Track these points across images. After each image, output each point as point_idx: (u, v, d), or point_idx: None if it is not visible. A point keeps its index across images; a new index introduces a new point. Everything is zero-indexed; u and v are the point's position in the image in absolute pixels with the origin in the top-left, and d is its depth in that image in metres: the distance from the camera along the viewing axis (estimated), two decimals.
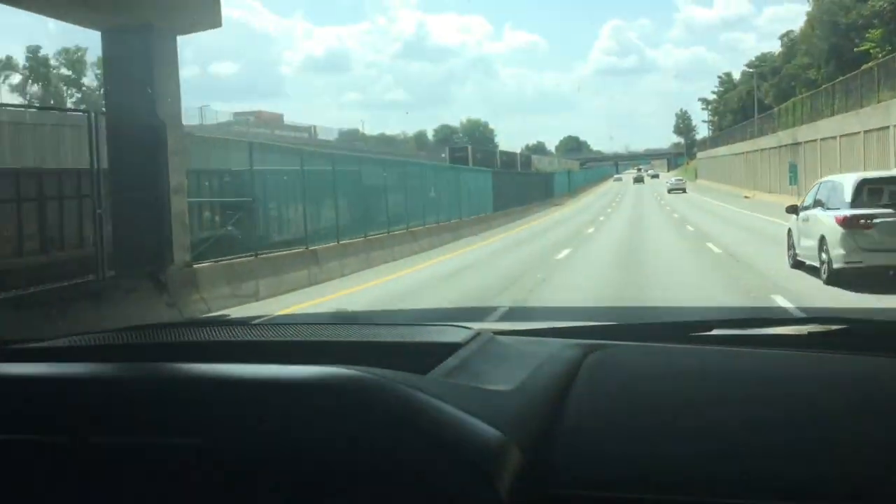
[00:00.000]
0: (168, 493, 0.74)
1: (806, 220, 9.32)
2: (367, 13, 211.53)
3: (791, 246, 10.08)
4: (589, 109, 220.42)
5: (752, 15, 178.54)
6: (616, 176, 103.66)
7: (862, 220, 7.94)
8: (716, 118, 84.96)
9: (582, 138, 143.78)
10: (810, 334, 1.28)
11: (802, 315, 5.05)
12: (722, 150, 55.50)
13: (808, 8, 46.00)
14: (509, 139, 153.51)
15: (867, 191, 8.31)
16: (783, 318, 1.40)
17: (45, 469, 0.75)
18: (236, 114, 50.41)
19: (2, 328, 5.56)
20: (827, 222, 8.41)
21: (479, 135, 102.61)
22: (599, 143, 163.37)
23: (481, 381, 0.91)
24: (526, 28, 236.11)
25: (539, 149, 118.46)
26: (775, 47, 72.67)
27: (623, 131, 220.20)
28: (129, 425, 0.76)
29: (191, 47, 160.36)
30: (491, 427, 0.75)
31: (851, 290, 7.72)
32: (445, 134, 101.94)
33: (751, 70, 67.66)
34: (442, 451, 0.70)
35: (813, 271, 8.90)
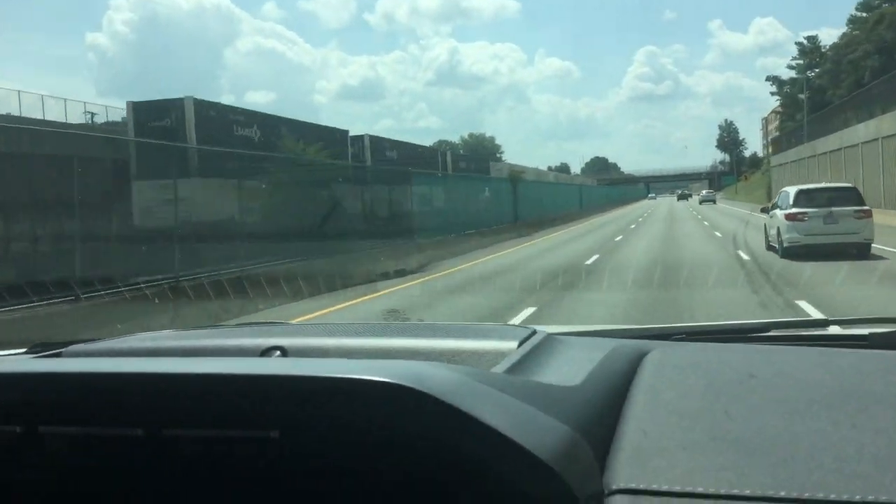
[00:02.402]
0: (244, 484, 0.92)
1: (772, 217, 17.66)
2: (400, 42, 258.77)
3: (765, 235, 18.48)
4: (623, 135, 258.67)
5: (787, 40, 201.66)
6: (651, 195, 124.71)
7: (799, 216, 16.06)
8: (786, 109, 79.27)
9: (613, 161, 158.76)
10: (871, 334, 1.56)
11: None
12: (861, 134, 33.46)
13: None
14: (537, 161, 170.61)
15: (803, 196, 16.52)
16: (841, 319, 1.88)
17: (122, 460, 0.96)
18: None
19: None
20: (780, 217, 16.58)
21: (483, 150, 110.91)
22: (632, 166, 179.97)
23: (544, 378, 1.12)
24: (559, 55, 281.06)
25: (563, 170, 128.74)
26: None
27: (658, 156, 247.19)
28: (205, 419, 0.93)
29: (227, 76, 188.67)
30: (559, 421, 0.92)
31: (792, 259, 15.68)
32: (442, 149, 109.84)
33: (862, 13, 60.57)
34: (512, 446, 0.83)
35: (776, 251, 17.05)
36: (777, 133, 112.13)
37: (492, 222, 29.55)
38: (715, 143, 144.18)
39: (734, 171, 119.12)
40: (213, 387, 0.95)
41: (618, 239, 26.63)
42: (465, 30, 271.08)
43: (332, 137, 26.61)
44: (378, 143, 31.37)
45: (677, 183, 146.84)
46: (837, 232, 15.83)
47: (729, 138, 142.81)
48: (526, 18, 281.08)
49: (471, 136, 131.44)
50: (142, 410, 0.95)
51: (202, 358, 1.23)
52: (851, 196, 16.76)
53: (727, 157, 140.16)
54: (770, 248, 17.87)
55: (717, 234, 26.60)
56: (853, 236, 15.80)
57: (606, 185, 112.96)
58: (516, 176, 45.14)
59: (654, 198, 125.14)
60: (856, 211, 16.06)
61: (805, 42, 76.92)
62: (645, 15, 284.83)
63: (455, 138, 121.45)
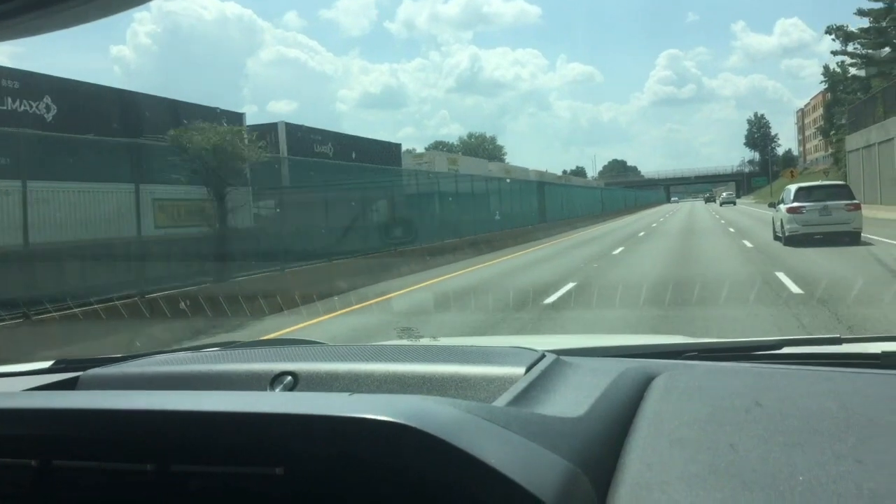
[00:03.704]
0: None
1: (777, 210, 23.45)
2: (421, 50, 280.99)
3: (773, 226, 24.38)
4: (646, 140, 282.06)
5: (813, 41, 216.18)
6: (674, 199, 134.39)
7: (798, 209, 21.82)
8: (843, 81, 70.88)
9: (633, 164, 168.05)
10: (883, 353, 1.75)
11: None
12: None
13: None
14: (556, 165, 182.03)
15: (802, 193, 22.23)
16: (853, 337, 2.01)
17: (128, 495, 1.12)
18: None
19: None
20: (783, 211, 22.29)
21: (483, 152, 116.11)
22: (655, 170, 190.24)
23: (549, 408, 1.25)
24: (580, 60, 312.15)
25: (579, 173, 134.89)
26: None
27: (681, 160, 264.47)
28: (213, 455, 1.08)
29: (250, 86, 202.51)
30: (560, 457, 1.04)
31: (792, 246, 21.25)
32: (438, 150, 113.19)
33: None
34: (510, 484, 0.95)
35: (778, 239, 22.85)
36: (818, 126, 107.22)
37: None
38: (743, 142, 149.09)
39: (768, 171, 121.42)
40: (219, 424, 1.09)
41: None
42: (486, 36, 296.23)
43: None
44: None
45: (701, 186, 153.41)
46: (831, 222, 21.42)
47: (759, 134, 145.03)
48: (547, 24, 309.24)
49: (470, 136, 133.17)
50: (152, 446, 1.12)
51: (211, 392, 1.39)
52: (843, 192, 22.49)
53: (756, 156, 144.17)
54: (776, 237, 23.63)
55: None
56: (844, 226, 21.36)
57: (621, 189, 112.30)
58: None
59: (678, 201, 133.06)
60: (847, 204, 21.68)
61: None
62: (667, 18, 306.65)
63: (479, 147, 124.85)
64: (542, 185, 49.73)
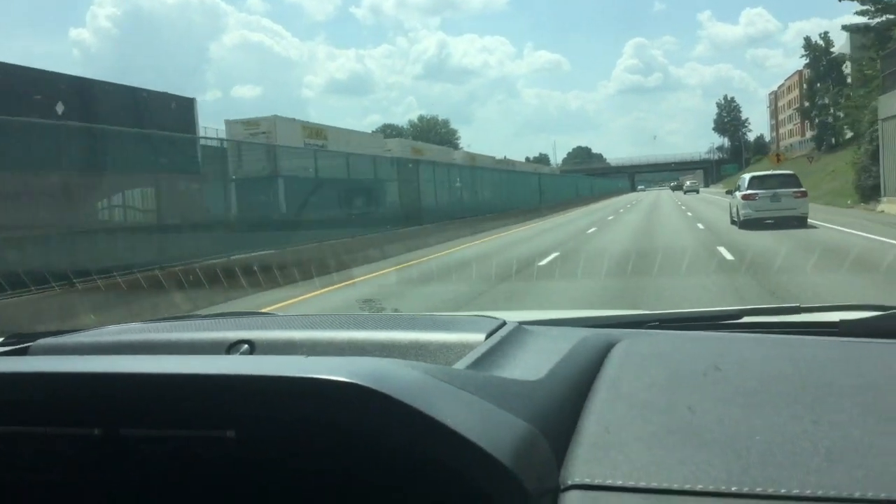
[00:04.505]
0: (202, 483, 1.11)
1: (734, 197, 27.54)
2: (388, 36, 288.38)
3: (730, 212, 28.60)
4: (613, 128, 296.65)
5: (778, 31, 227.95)
6: (640, 187, 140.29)
7: (751, 196, 25.71)
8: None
9: (598, 152, 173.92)
10: (842, 321, 1.85)
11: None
12: None
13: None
14: (521, 153, 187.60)
15: (755, 181, 26.29)
16: (812, 306, 2.16)
17: (76, 460, 1.15)
18: None
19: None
20: (739, 197, 26.27)
21: (435, 136, 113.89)
22: (620, 157, 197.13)
23: (508, 372, 1.33)
24: (548, 48, 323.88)
25: (543, 160, 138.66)
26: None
27: (648, 148, 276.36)
28: (164, 418, 1.11)
29: (213, 71, 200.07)
30: (518, 418, 1.10)
31: (747, 230, 25.00)
32: (386, 134, 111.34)
33: None
34: (466, 443, 1.00)
35: (735, 223, 26.84)
36: (794, 107, 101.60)
37: None
38: (712, 127, 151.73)
39: (740, 156, 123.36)
40: (170, 386, 1.12)
41: None
42: (453, 22, 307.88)
43: None
44: None
45: (669, 174, 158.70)
46: (781, 208, 25.26)
47: (729, 118, 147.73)
48: (514, 10, 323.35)
49: (421, 119, 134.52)
50: (101, 410, 1.14)
51: (162, 356, 1.43)
52: (792, 180, 26.46)
53: (725, 142, 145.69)
54: (733, 222, 27.57)
55: None
56: (792, 211, 25.23)
57: (574, 176, 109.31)
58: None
59: (644, 189, 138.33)
60: (794, 192, 25.61)
61: None
62: (634, 6, 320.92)
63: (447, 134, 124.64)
64: (415, 165, 33.60)
